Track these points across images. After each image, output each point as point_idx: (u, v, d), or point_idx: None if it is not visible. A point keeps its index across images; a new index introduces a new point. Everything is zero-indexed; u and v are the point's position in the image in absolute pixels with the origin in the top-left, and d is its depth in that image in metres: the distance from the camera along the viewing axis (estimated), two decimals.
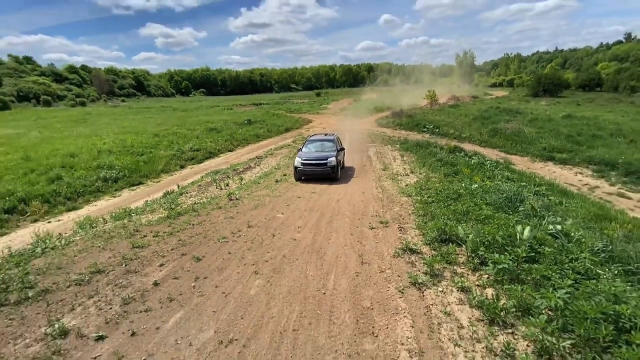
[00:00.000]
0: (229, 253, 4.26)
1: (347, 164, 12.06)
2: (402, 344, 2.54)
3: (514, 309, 2.84)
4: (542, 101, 36.53)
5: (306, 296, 3.22)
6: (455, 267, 3.70)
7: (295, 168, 9.82)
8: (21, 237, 5.55)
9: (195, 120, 24.73)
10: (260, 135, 17.99)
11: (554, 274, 3.20)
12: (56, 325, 2.77)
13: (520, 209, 5.35)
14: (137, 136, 15.46)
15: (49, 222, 6.44)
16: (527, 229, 3.91)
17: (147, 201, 7.11)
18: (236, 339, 2.63)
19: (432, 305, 3.03)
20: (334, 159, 9.51)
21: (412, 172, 9.48)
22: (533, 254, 3.64)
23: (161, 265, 3.93)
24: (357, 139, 16.82)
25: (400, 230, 4.93)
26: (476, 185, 6.98)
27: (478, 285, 3.33)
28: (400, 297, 3.14)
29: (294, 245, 4.53)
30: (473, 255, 3.84)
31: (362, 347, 2.51)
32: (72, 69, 77.09)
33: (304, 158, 9.85)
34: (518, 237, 3.83)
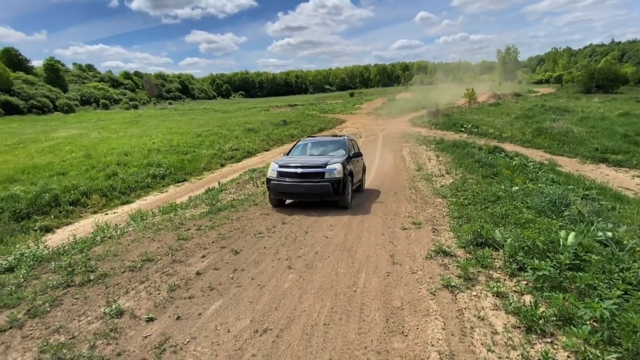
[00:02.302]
0: (264, 248, 4.46)
1: (374, 174, 10.29)
2: (433, 345, 2.54)
3: (554, 318, 2.73)
4: (595, 98, 33.56)
5: (337, 292, 3.31)
6: (490, 272, 3.60)
7: (268, 181, 6.37)
8: (83, 226, 6.20)
9: (234, 121, 25.76)
10: (295, 136, 18.37)
11: (600, 283, 3.02)
12: (113, 306, 3.10)
13: (565, 213, 5.04)
14: (182, 136, 16.47)
15: (106, 214, 7.12)
16: (572, 234, 3.70)
17: (190, 197, 7.60)
18: (270, 329, 2.78)
19: (465, 309, 2.99)
20: (337, 166, 6.10)
21: (447, 173, 9.22)
22: (578, 262, 3.44)
23: (203, 256, 4.23)
24: (391, 139, 16.61)
25: (434, 232, 4.86)
26: (517, 188, 6.66)
27: (515, 292, 3.22)
28: (431, 299, 3.13)
29: (325, 242, 4.64)
30: (511, 260, 3.71)
31: (392, 345, 2.55)
32: (126, 75, 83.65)
33: (283, 164, 6.39)
34: (561, 243, 3.64)
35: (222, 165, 12.07)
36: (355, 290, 3.34)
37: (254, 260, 4.08)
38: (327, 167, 6.18)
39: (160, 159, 11.00)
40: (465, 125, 18.59)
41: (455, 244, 4.37)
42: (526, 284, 3.31)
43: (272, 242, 4.65)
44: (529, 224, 4.61)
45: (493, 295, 3.16)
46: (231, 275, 3.72)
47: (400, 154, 12.75)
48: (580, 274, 3.21)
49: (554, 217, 4.93)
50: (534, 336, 2.59)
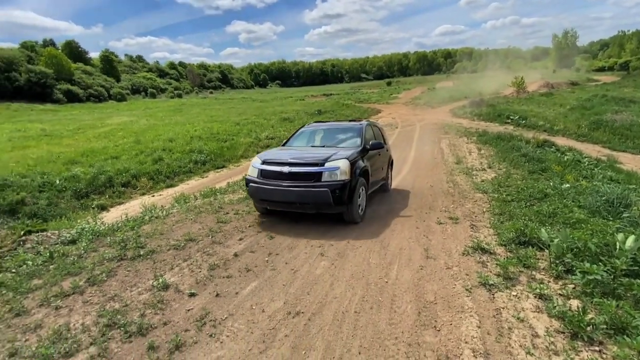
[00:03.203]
0: (298, 234, 4.57)
1: (410, 166, 10.02)
2: (466, 342, 2.48)
3: (605, 326, 2.53)
4: None
5: (368, 282, 3.32)
6: (533, 273, 3.41)
7: (247, 183, 5.00)
8: (133, 206, 6.72)
9: (270, 110, 26.22)
10: None
11: None
12: (160, 280, 3.36)
13: (624, 215, 4.60)
14: (222, 124, 17.11)
15: (153, 196, 7.65)
16: (632, 238, 3.37)
17: (229, 183, 7.93)
18: (302, 312, 2.87)
19: (503, 308, 2.87)
20: (342, 164, 4.55)
21: (489, 167, 8.74)
22: (636, 268, 3.15)
23: (240, 239, 4.43)
24: (429, 130, 16.03)
25: (472, 228, 4.67)
26: (568, 185, 6.17)
27: (560, 295, 3.03)
28: (467, 296, 3.04)
29: (358, 232, 4.64)
30: (557, 261, 3.48)
31: (423, 338, 2.53)
32: (172, 65, 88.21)
33: (267, 158, 4.98)
34: (618, 247, 3.34)
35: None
36: (386, 282, 3.33)
37: (288, 246, 4.20)
38: (327, 164, 4.49)
39: (202, 145, 11.53)
40: (511, 117, 17.40)
41: (495, 241, 4.17)
42: (573, 288, 3.10)
43: (305, 229, 4.75)
44: (580, 224, 4.27)
45: (535, 297, 3.00)
46: (266, 259, 3.87)
47: (438, 146, 12.26)
48: (639, 281, 2.94)
49: (610, 219, 4.51)
50: (579, 343, 2.44)
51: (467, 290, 3.12)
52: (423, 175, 8.27)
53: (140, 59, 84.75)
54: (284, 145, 6.15)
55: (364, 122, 6.22)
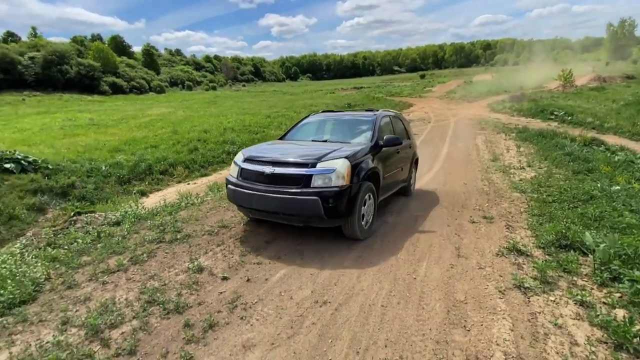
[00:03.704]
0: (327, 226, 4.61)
1: (442, 163, 9.58)
2: (498, 345, 2.41)
3: None
4: None
5: (396, 277, 3.29)
6: (574, 278, 3.22)
7: (227, 183, 4.28)
8: (170, 193, 7.09)
9: (301, 103, 26.38)
10: None
11: None
12: (195, 263, 3.54)
13: None
14: (253, 117, 17.49)
15: (188, 184, 8.02)
16: None
17: None
18: (329, 302, 2.92)
19: (540, 313, 2.74)
20: (339, 165, 3.69)
21: (529, 166, 8.28)
22: None
23: (271, 228, 4.55)
24: (464, 126, 15.42)
25: (508, 228, 4.47)
26: (618, 187, 5.72)
27: (604, 303, 2.84)
28: (500, 298, 2.93)
29: (386, 227, 4.61)
30: (602, 268, 3.26)
31: (452, 337, 2.48)
32: (207, 58, 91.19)
33: (251, 155, 4.23)
34: None
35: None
36: (415, 278, 3.28)
37: (317, 236, 4.26)
38: (319, 165, 3.66)
39: (234, 137, 11.88)
40: (555, 113, 16.27)
41: (533, 243, 3.97)
42: (620, 297, 2.89)
43: None
44: (630, 229, 3.96)
45: (575, 303, 2.84)
46: (296, 248, 3.95)
47: (473, 142, 11.76)
48: None
49: None
50: (624, 355, 2.28)
51: (500, 291, 3.01)
52: (456, 172, 7.99)
53: (178, 52, 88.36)
54: (281, 138, 5.34)
55: (379, 113, 5.27)
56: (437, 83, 47.83)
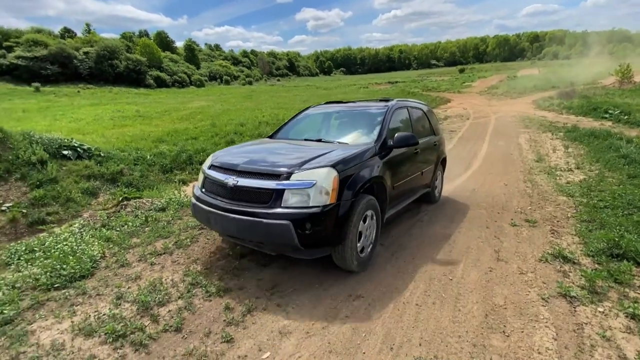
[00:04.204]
0: None
1: (480, 162, 9.03)
2: (539, 353, 2.32)
3: None
4: None
5: (431, 277, 3.25)
6: (626, 290, 3.00)
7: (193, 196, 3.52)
8: None
9: (333, 98, 26.29)
10: None
11: None
12: (235, 250, 3.71)
13: None
14: (287, 111, 17.76)
15: None
16: None
17: None
18: (363, 297, 2.95)
19: (586, 324, 2.60)
20: (320, 176, 2.77)
21: (577, 168, 7.72)
22: None
23: None
24: (505, 123, 14.65)
25: (553, 233, 4.23)
26: None
27: None
28: (542, 305, 2.81)
29: (420, 227, 4.53)
30: None
31: (490, 341, 2.42)
32: (244, 53, 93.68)
33: (219, 160, 3.41)
34: None
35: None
36: (451, 279, 3.22)
37: None
38: (295, 176, 2.82)
39: (269, 131, 12.14)
40: (610, 111, 14.93)
41: (581, 250, 3.73)
42: None
43: None
44: None
45: (627, 316, 2.65)
46: None
47: (515, 141, 11.14)
48: None
49: None
50: None
51: (543, 299, 2.88)
52: (496, 173, 7.64)
53: (217, 47, 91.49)
54: (272, 135, 4.53)
55: (392, 103, 4.26)
56: (478, 78, 45.60)
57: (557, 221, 4.63)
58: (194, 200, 3.40)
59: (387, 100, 4.50)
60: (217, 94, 37.34)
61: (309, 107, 5.01)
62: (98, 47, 46.92)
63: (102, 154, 7.55)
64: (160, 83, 50.67)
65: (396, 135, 3.64)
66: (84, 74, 44.33)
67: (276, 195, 2.79)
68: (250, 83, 69.14)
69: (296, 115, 4.86)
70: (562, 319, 2.64)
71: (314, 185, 2.74)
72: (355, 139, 3.84)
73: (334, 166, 2.87)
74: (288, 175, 2.83)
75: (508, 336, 2.46)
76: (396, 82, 49.65)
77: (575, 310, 2.74)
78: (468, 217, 4.88)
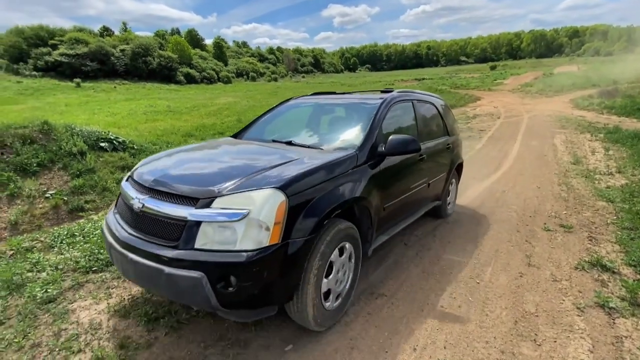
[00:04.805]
0: None
1: (511, 162, 8.64)
2: None
3: None
4: None
5: (457, 279, 3.17)
6: None
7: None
8: None
9: None
10: None
11: None
12: None
13: None
14: None
15: None
16: None
17: None
18: (385, 295, 2.92)
19: (626, 337, 2.44)
20: (268, 199, 1.86)
21: (619, 172, 7.23)
22: None
23: None
24: (539, 123, 13.95)
25: (591, 240, 3.99)
26: None
27: None
28: (578, 315, 2.66)
29: (445, 227, 4.42)
30: None
31: (520, 349, 2.33)
32: (270, 50, 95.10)
33: (140, 171, 2.48)
34: None
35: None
36: (478, 282, 3.12)
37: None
38: (218, 202, 1.90)
39: None
40: None
41: (622, 259, 3.50)
42: None
43: None
44: None
45: None
46: None
47: (550, 141, 10.58)
48: None
49: None
50: None
51: (578, 308, 2.73)
52: (528, 174, 7.30)
53: (244, 44, 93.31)
54: (237, 134, 3.61)
55: (389, 96, 3.32)
56: (510, 75, 43.66)
57: (596, 227, 4.37)
58: (102, 226, 2.49)
59: (387, 92, 3.53)
60: (243, 91, 38.08)
61: (291, 98, 4.05)
62: (133, 45, 49.11)
63: (135, 147, 7.91)
64: (190, 79, 52.34)
65: (390, 138, 2.70)
66: (120, 71, 46.59)
67: (188, 230, 1.86)
68: (275, 80, 69.98)
69: (273, 108, 3.94)
70: (600, 331, 2.49)
71: (246, 216, 1.80)
72: (335, 143, 2.90)
73: (282, 187, 1.92)
74: (209, 200, 1.90)
75: (539, 345, 2.36)
76: (423, 79, 48.50)
77: (614, 322, 2.58)
78: (497, 219, 4.70)
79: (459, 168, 4.97)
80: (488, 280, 3.15)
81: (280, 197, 1.91)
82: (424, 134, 3.67)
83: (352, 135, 2.94)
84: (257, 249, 1.80)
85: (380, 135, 2.85)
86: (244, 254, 1.78)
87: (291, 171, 2.13)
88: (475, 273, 3.28)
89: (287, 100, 4.05)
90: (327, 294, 2.36)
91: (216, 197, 1.93)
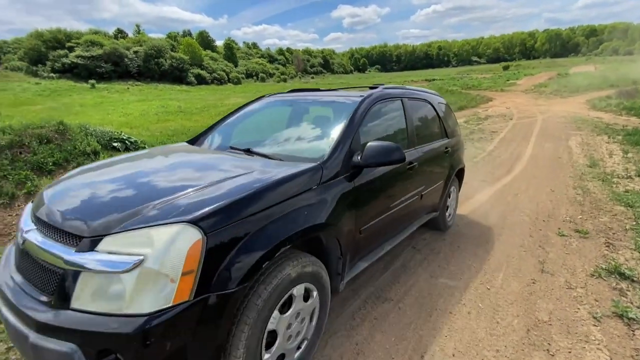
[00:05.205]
0: None
1: (524, 165, 8.48)
2: None
3: None
4: None
5: (467, 286, 3.09)
6: None
7: None
8: None
9: None
10: None
11: None
12: None
13: None
14: None
15: None
16: None
17: None
18: (392, 300, 2.87)
19: None
20: (173, 240, 1.28)
21: (638, 175, 6.99)
22: None
23: None
24: (554, 124, 13.64)
25: (608, 246, 3.85)
26: None
27: None
28: (594, 325, 2.56)
29: (456, 231, 4.33)
30: None
31: (532, 359, 2.25)
32: (280, 51, 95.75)
33: (46, 191, 1.89)
34: None
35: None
36: (488, 289, 3.04)
37: None
38: (106, 243, 1.32)
39: None
40: None
41: None
42: None
43: None
44: None
45: None
46: None
47: (565, 143, 10.31)
48: None
49: None
50: None
51: (595, 318, 2.62)
52: (541, 177, 7.12)
53: (254, 45, 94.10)
54: (195, 138, 3.03)
55: (370, 94, 2.71)
56: (524, 75, 42.86)
57: (613, 233, 4.21)
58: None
59: (374, 88, 3.00)
60: (253, 91, 38.35)
61: (264, 96, 3.51)
62: (146, 47, 50.05)
63: (146, 147, 8.03)
64: (201, 80, 53.01)
65: (367, 146, 2.15)
66: (133, 72, 47.51)
67: (64, 282, 1.31)
68: (284, 80, 70.38)
69: (243, 106, 3.36)
70: (618, 342, 2.39)
71: (139, 265, 1.25)
72: (299, 152, 2.34)
73: (196, 221, 1.37)
74: (94, 240, 1.35)
75: (553, 355, 2.27)
76: (433, 79, 48.02)
77: (633, 334, 2.47)
78: (508, 223, 4.59)
79: (460, 174, 4.50)
80: (499, 287, 3.07)
81: (194, 236, 1.33)
82: (416, 137, 3.12)
83: (319, 142, 2.41)
84: (154, 312, 1.22)
85: (357, 142, 2.30)
86: (135, 320, 1.21)
87: (219, 196, 1.53)
88: (486, 278, 3.20)
89: (260, 97, 3.46)
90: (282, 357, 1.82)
91: (104, 235, 1.34)
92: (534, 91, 27.02)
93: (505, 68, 64.23)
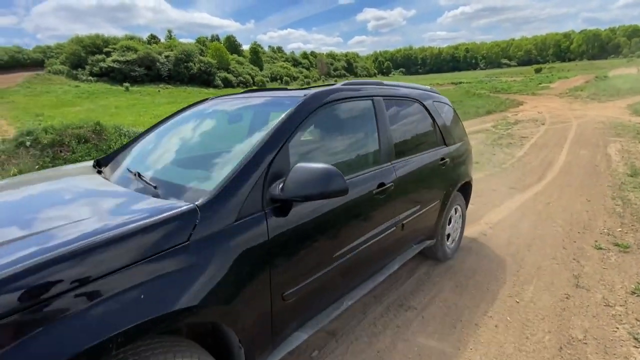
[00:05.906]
0: None
1: (556, 172, 8.06)
2: None
3: None
4: None
5: (494, 297, 2.98)
6: None
7: None
8: None
9: None
10: None
11: None
12: None
13: None
14: None
15: None
16: None
17: None
18: (416, 308, 2.81)
19: None
20: None
21: None
22: None
23: None
24: (590, 130, 12.91)
25: None
26: None
27: None
28: (635, 346, 2.40)
29: (482, 240, 4.18)
30: None
31: None
32: (304, 55, 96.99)
33: None
34: None
35: None
36: (517, 302, 2.92)
37: None
38: None
39: None
40: None
41: None
42: None
43: None
44: None
45: None
46: None
47: (603, 151, 9.72)
48: None
49: None
50: None
51: (635, 339, 2.45)
52: (576, 186, 6.75)
53: (279, 50, 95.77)
54: (106, 158, 2.35)
55: (318, 92, 1.94)
56: (557, 78, 40.91)
57: None
58: None
59: (328, 86, 2.20)
60: None
61: (207, 99, 2.71)
62: (177, 52, 52.17)
63: None
64: (227, 83, 54.57)
65: (292, 170, 1.49)
66: (164, 75, 49.66)
67: None
68: (308, 84, 71.05)
69: (177, 112, 2.61)
70: None
71: None
72: (187, 181, 1.62)
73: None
74: None
75: None
76: (460, 82, 46.85)
77: None
78: (540, 234, 4.38)
79: (466, 189, 3.68)
80: (529, 300, 2.93)
81: None
82: (394, 148, 2.39)
83: (216, 167, 1.76)
84: None
85: (283, 163, 1.59)
86: None
87: (14, 260, 0.96)
88: (515, 291, 3.07)
89: (202, 101, 2.68)
90: None
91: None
92: (568, 95, 25.71)
93: (538, 71, 61.60)
